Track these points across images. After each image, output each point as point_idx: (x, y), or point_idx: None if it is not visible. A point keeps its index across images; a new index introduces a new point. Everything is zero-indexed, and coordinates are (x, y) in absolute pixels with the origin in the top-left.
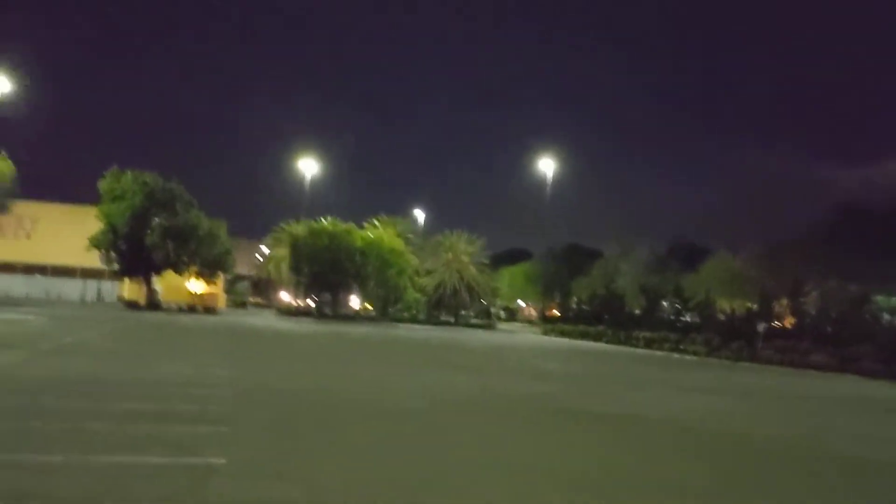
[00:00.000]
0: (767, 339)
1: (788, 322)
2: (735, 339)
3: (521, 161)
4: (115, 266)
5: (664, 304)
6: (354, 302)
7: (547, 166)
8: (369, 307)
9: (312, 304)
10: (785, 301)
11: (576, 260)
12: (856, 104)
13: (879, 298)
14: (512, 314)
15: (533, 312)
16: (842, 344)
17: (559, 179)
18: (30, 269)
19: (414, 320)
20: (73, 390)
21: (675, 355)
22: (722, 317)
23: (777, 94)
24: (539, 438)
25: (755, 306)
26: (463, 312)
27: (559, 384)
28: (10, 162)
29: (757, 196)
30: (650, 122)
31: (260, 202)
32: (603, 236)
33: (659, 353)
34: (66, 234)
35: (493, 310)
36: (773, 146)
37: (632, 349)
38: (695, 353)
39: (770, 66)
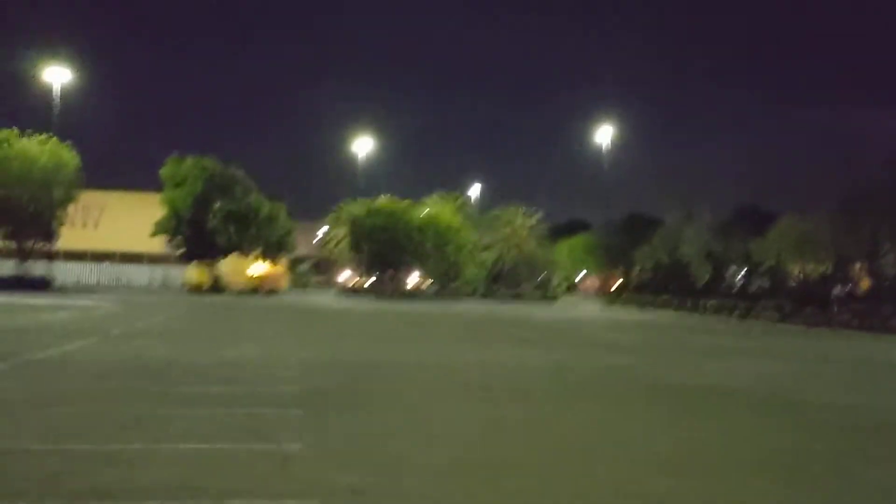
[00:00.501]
0: (843, 304)
1: (865, 285)
2: (808, 305)
3: (578, 132)
4: (180, 251)
5: (732, 270)
6: (413, 279)
7: (605, 134)
8: (428, 284)
9: (372, 282)
10: (861, 263)
11: (636, 229)
12: None
13: None
14: (572, 286)
15: (594, 284)
16: None
17: (617, 149)
18: (99, 257)
19: (473, 295)
20: (145, 374)
21: (746, 322)
22: (794, 282)
23: (827, 48)
24: (628, 415)
25: (829, 269)
26: (522, 286)
27: (634, 356)
28: (74, 152)
29: (821, 153)
30: (703, 89)
31: (318, 183)
32: (663, 205)
33: (729, 321)
34: (131, 221)
35: (552, 283)
36: (831, 102)
37: (700, 317)
38: (766, 320)
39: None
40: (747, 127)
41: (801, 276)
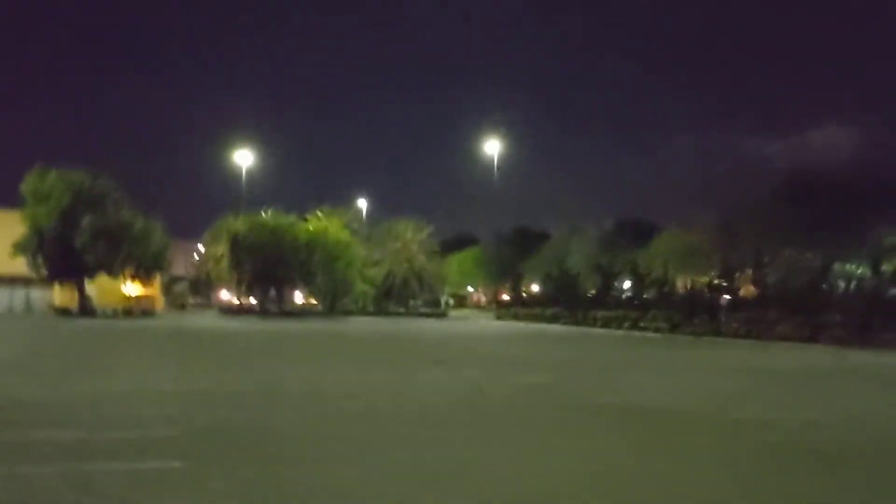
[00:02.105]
0: (730, 312)
1: (749, 293)
2: (697, 314)
3: (463, 147)
4: (44, 272)
5: (619, 281)
6: (298, 297)
7: (493, 148)
8: (314, 301)
9: (254, 302)
10: (746, 272)
11: (524, 243)
12: (772, 80)
13: (837, 266)
14: (461, 301)
15: (482, 298)
16: (808, 313)
17: (503, 163)
18: None
19: (363, 312)
20: None
21: (637, 333)
22: (681, 292)
23: (702, 77)
24: (568, 443)
25: (715, 279)
26: (413, 302)
27: (547, 374)
28: None
29: (697, 172)
30: (587, 104)
31: (195, 200)
32: (549, 219)
33: (619, 332)
34: None
35: (442, 298)
36: (702, 126)
37: (590, 329)
38: (657, 331)
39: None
40: (630, 145)
41: (689, 286)
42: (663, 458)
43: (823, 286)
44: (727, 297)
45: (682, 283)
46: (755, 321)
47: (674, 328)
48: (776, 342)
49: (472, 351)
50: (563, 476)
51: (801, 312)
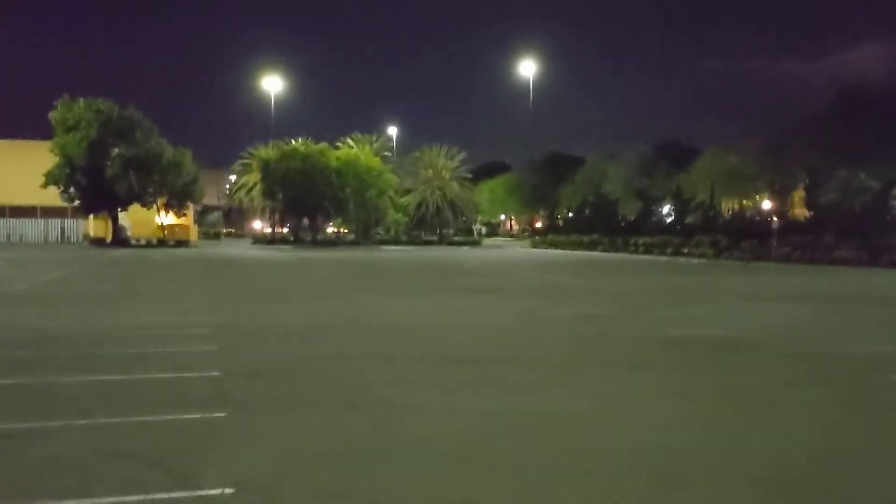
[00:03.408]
0: (781, 236)
1: (800, 216)
2: (746, 239)
3: (495, 73)
4: (76, 202)
5: (657, 207)
6: (330, 226)
7: (527, 70)
8: (345, 231)
9: (287, 231)
10: (795, 194)
11: (558, 169)
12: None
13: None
14: (493, 229)
15: (514, 226)
16: (866, 236)
17: (536, 90)
18: None
19: (396, 241)
20: (9, 355)
21: (681, 259)
22: (727, 215)
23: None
24: (667, 383)
25: (764, 202)
26: (445, 230)
27: (603, 304)
28: None
29: (734, 94)
30: (622, 28)
31: (225, 128)
32: (583, 143)
33: (662, 258)
34: (21, 171)
35: (475, 226)
36: (735, 50)
37: (631, 256)
38: (702, 256)
39: None
40: (666, 69)
41: (737, 210)
42: (779, 401)
43: (881, 208)
44: (778, 220)
45: (727, 207)
46: (809, 245)
47: (720, 253)
48: (832, 266)
49: (519, 279)
50: (687, 427)
51: (858, 236)
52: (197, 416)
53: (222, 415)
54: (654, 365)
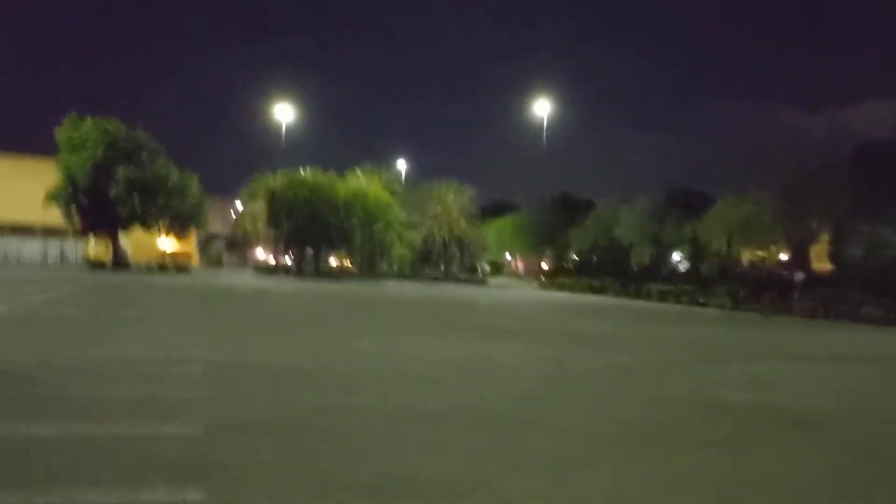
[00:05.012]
0: (803, 290)
1: (822, 270)
2: (766, 291)
3: (509, 110)
4: (77, 222)
5: (673, 253)
6: (333, 258)
7: (542, 109)
8: (349, 263)
9: (290, 262)
10: (818, 247)
11: (568, 211)
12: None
13: None
14: (498, 269)
15: (520, 266)
16: (894, 293)
17: (550, 128)
18: None
19: (400, 276)
20: None
21: (697, 309)
22: (745, 266)
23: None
24: (748, 469)
25: (782, 253)
26: (451, 267)
27: (633, 354)
28: None
29: (744, 143)
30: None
31: (233, 157)
32: (592, 187)
33: (676, 306)
34: (22, 188)
35: (480, 264)
36: (738, 98)
37: (644, 303)
38: (719, 307)
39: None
40: (676, 115)
41: (756, 260)
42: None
43: None
44: (801, 273)
45: (744, 257)
46: (833, 300)
47: (738, 305)
48: (859, 324)
49: (537, 322)
50: None
51: (886, 292)
52: (164, 497)
53: (197, 496)
54: (729, 441)
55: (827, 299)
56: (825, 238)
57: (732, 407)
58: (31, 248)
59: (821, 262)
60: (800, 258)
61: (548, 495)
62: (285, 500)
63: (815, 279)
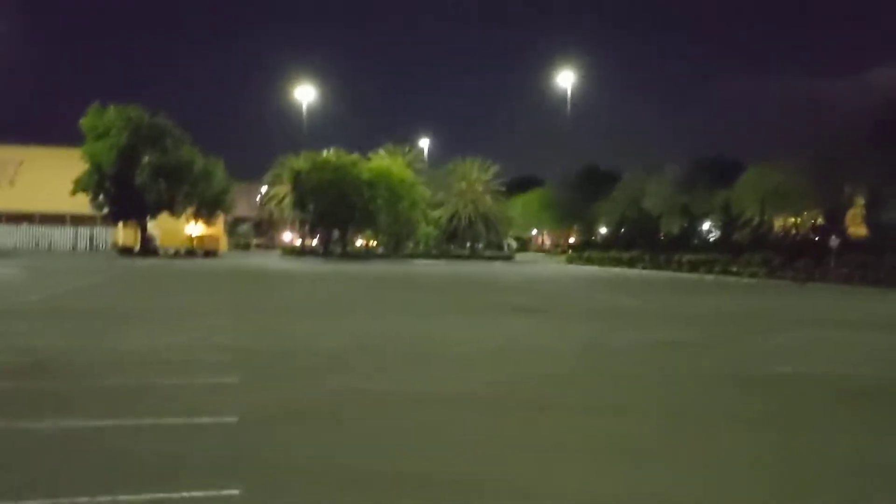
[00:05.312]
0: (839, 256)
1: (859, 235)
2: (800, 257)
3: (533, 82)
4: (105, 210)
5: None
6: (359, 239)
7: (566, 80)
8: (375, 243)
9: (317, 243)
10: (853, 212)
11: (594, 184)
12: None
13: None
14: (524, 244)
15: (547, 241)
16: None
17: (575, 100)
18: (15, 218)
19: (426, 255)
20: None
21: (730, 278)
22: (779, 234)
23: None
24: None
25: (818, 219)
26: (477, 244)
27: (670, 329)
28: None
29: (772, 111)
30: (653, 53)
31: (256, 140)
32: (618, 159)
33: (708, 276)
34: (52, 178)
35: (506, 241)
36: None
37: (675, 274)
38: (752, 276)
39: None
40: (694, 86)
41: (790, 227)
42: None
43: None
44: (837, 238)
45: (778, 224)
46: (870, 265)
47: (772, 273)
48: (894, 289)
49: (568, 297)
50: None
51: None
52: (199, 493)
53: (235, 493)
54: (797, 419)
55: (863, 265)
56: (860, 202)
57: (788, 380)
58: (61, 236)
59: (856, 226)
60: (835, 223)
61: (644, 486)
62: (315, 496)
63: (851, 244)
